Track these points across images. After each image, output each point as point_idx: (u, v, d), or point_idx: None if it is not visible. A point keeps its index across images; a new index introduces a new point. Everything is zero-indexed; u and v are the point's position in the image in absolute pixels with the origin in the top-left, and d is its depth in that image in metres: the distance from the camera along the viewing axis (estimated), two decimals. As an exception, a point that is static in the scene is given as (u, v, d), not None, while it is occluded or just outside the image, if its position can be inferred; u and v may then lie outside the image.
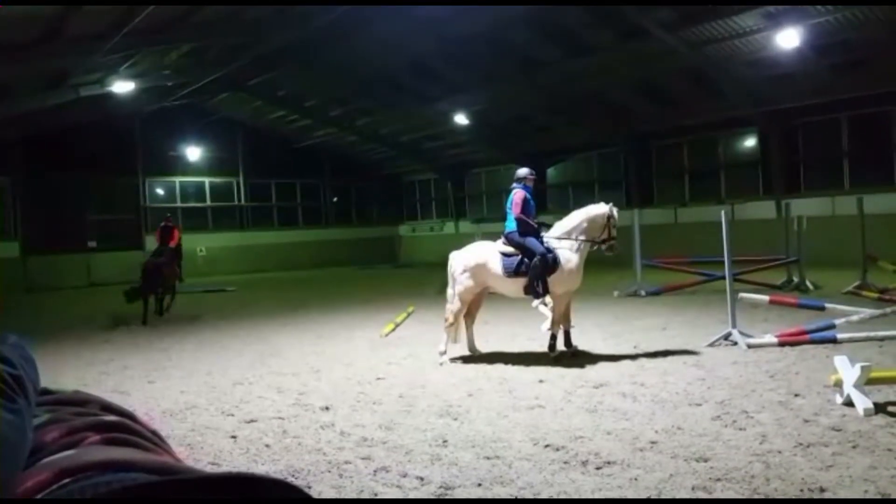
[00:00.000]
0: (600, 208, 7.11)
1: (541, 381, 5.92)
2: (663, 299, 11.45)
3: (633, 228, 12.27)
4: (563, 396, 5.38)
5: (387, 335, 8.96)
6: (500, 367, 6.64)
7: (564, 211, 26.85)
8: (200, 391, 6.31)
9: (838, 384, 4.60)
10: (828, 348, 6.45)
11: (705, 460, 3.78)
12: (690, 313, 9.58)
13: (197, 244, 25.72)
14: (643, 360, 6.60)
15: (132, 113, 22.61)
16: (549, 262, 6.74)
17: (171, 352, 8.61)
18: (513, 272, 6.87)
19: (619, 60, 18.61)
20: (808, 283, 11.54)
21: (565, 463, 3.88)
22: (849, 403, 4.50)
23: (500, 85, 20.99)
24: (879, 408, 4.40)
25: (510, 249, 7.00)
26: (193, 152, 25.92)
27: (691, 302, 10.79)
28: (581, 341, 7.77)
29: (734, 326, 6.98)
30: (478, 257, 7.10)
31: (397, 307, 11.58)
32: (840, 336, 6.75)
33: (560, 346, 7.00)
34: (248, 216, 27.82)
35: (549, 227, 7.19)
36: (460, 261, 7.19)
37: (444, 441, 4.40)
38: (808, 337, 6.81)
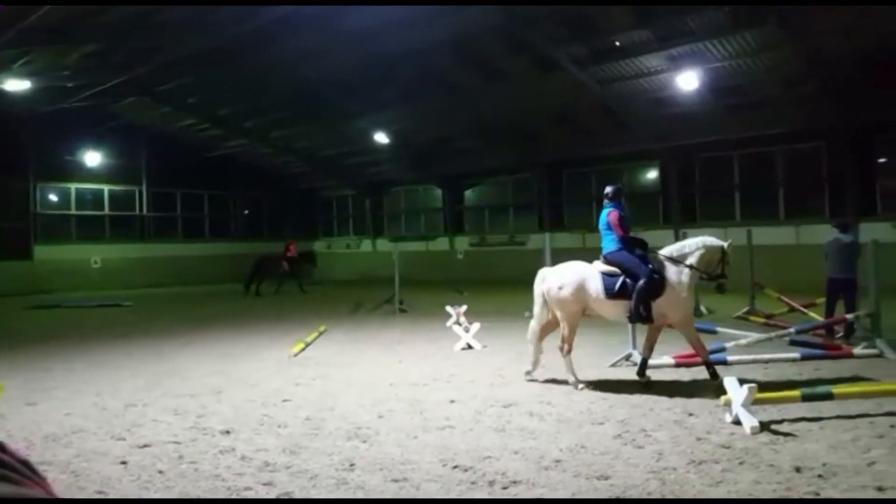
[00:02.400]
0: (718, 241, 6.76)
1: (452, 402, 5.93)
2: (571, 321, 11.79)
3: (545, 251, 12.61)
4: (473, 416, 5.41)
5: (296, 355, 8.71)
6: (411, 388, 6.60)
7: (482, 231, 27.17)
8: (88, 414, 5.87)
9: (728, 404, 4.87)
10: (719, 369, 6.84)
11: (606, 478, 3.89)
12: (596, 334, 9.90)
13: (91, 255, 24.19)
14: (550, 380, 6.76)
15: (25, 113, 21.08)
16: (657, 285, 6.32)
17: (55, 371, 7.97)
18: (615, 293, 6.37)
19: (534, 90, 19.27)
20: (703, 308, 12.27)
21: (473, 483, 3.89)
22: (737, 422, 4.78)
23: (422, 106, 21.20)
24: (764, 426, 4.69)
25: (612, 269, 6.53)
26: (92, 157, 24.44)
27: (596, 324, 11.12)
28: (492, 361, 7.88)
29: (634, 347, 7.28)
30: (578, 276, 6.50)
31: (309, 326, 11.32)
32: (730, 358, 7.19)
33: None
34: (151, 227, 26.47)
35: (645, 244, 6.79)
36: (558, 279, 6.55)
37: (352, 464, 4.31)
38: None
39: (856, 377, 6.42)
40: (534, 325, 6.84)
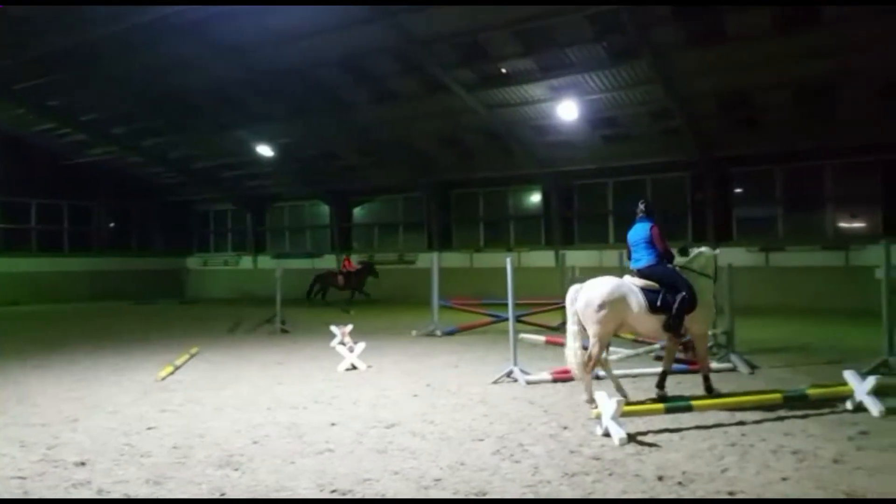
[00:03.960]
0: (711, 251, 6.96)
1: (333, 425, 5.77)
2: (457, 338, 11.95)
3: (433, 270, 12.74)
4: (354, 438, 5.29)
5: (163, 379, 8.14)
6: (290, 411, 6.35)
7: (370, 249, 27.02)
8: (-88, 449, 5.15)
9: (599, 417, 5.10)
10: (593, 384, 7.16)
11: (484, 494, 3.93)
12: (480, 351, 10.09)
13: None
14: (435, 398, 6.77)
15: None
16: (694, 298, 6.32)
17: None
18: (657, 308, 6.26)
19: (424, 112, 19.55)
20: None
21: (350, 507, 3.78)
22: (607, 434, 5.01)
23: (308, 120, 20.83)
24: (631, 437, 4.95)
25: (651, 284, 6.39)
26: (-70, 162, 21.87)
27: (482, 341, 11.40)
28: (377, 381, 7.78)
29: (515, 364, 7.47)
30: (617, 291, 6.22)
31: (179, 347, 10.65)
32: (602, 373, 7.54)
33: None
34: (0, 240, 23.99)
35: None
36: (597, 295, 6.19)
37: (222, 494, 4.06)
38: (577, 374, 7.51)
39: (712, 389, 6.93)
40: (575, 345, 6.32)
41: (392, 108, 19.69)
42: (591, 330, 6.21)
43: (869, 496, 3.73)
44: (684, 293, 6.25)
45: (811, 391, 5.99)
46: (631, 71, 16.16)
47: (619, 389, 6.39)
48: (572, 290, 6.42)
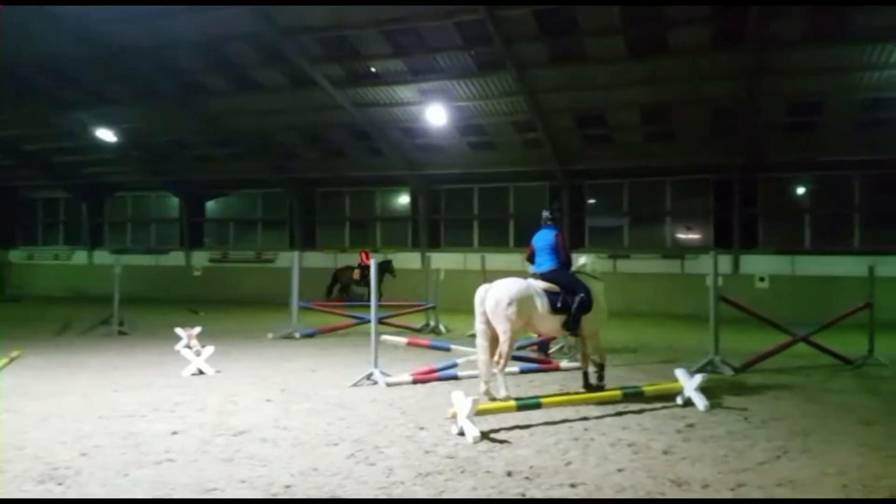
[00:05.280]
0: (589, 258, 7.61)
1: (174, 433, 5.38)
2: (317, 341, 11.66)
3: (293, 270, 12.35)
4: (198, 447, 4.96)
5: (-24, 385, 7.19)
6: (126, 420, 5.83)
7: (225, 246, 25.67)
8: None
9: (455, 416, 5.18)
10: (452, 384, 7.29)
11: (335, 498, 3.83)
12: (340, 355, 9.92)
13: None
14: (289, 403, 6.53)
15: None
16: (591, 300, 6.79)
17: None
18: (558, 308, 6.66)
19: (288, 105, 18.95)
20: (441, 327, 13.08)
21: (189, 520, 3.52)
22: (462, 433, 5.10)
23: (158, 105, 19.43)
24: (484, 435, 5.07)
25: (552, 286, 6.78)
26: None
27: (343, 344, 11.22)
28: (226, 387, 7.38)
29: (376, 367, 7.42)
30: (525, 292, 6.54)
31: (-2, 350, 9.47)
32: (461, 373, 7.71)
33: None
34: None
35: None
36: (506, 294, 6.43)
37: (42, 511, 3.63)
38: (436, 375, 7.62)
39: (561, 388, 7.32)
40: (484, 343, 6.54)
41: (254, 98, 18.92)
42: (501, 327, 6.45)
43: (692, 483, 4.09)
44: (582, 295, 6.76)
45: (647, 388, 6.49)
46: (497, 82, 16.75)
47: (503, 390, 6.55)
48: (481, 290, 6.63)
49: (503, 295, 6.45)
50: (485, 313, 6.53)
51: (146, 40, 16.29)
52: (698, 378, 6.33)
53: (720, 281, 8.62)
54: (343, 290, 19.47)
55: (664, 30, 14.58)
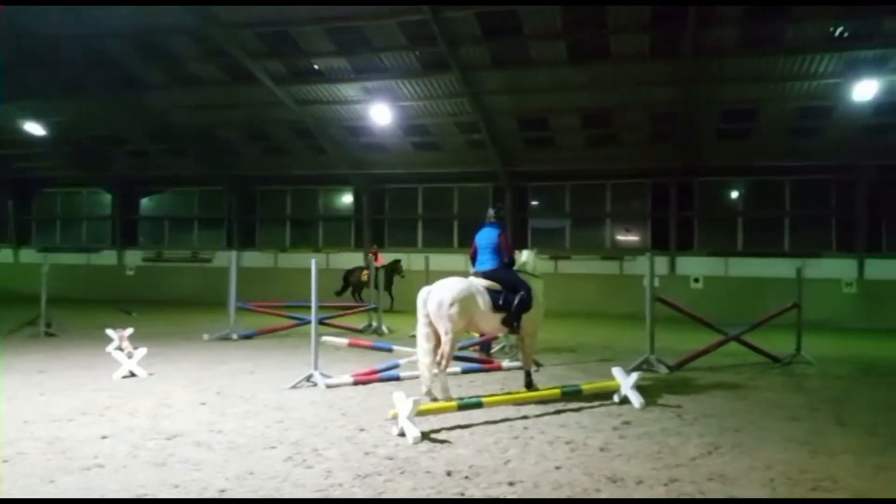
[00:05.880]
0: (530, 252, 7.56)
1: (104, 438, 5.15)
2: (255, 342, 11.39)
3: (231, 270, 12.03)
4: (129, 452, 4.76)
5: None
6: (53, 425, 5.54)
7: (159, 245, 24.78)
8: None
9: (395, 417, 5.14)
10: (393, 385, 7.24)
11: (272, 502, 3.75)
12: (280, 356, 9.72)
13: None
14: (225, 406, 6.35)
15: None
16: (530, 299, 6.86)
17: None
18: (499, 306, 6.70)
19: (228, 100, 18.50)
20: (384, 328, 13.00)
21: (115, 528, 3.37)
22: (402, 434, 5.07)
23: (91, 98, 18.59)
24: (425, 435, 5.06)
25: (494, 284, 6.78)
26: None
27: (282, 345, 10.99)
28: (159, 390, 7.12)
29: (316, 368, 7.30)
30: (467, 291, 6.51)
31: None
32: (403, 374, 7.67)
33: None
34: None
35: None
36: (448, 294, 6.38)
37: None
38: (377, 376, 7.56)
39: (503, 387, 7.38)
40: (427, 345, 6.40)
41: (192, 92, 18.37)
42: (444, 328, 6.41)
43: (626, 479, 4.18)
44: (523, 293, 6.83)
45: (585, 386, 6.61)
46: (441, 82, 16.79)
47: (445, 390, 6.51)
48: (423, 292, 6.55)
49: (446, 295, 6.40)
50: (428, 315, 6.45)
51: (79, 31, 15.59)
52: (634, 376, 6.50)
53: (656, 282, 8.87)
54: (355, 292, 18.57)
55: (605, 36, 14.94)
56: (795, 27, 14.00)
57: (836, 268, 18.10)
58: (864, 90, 14.95)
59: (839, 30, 14.13)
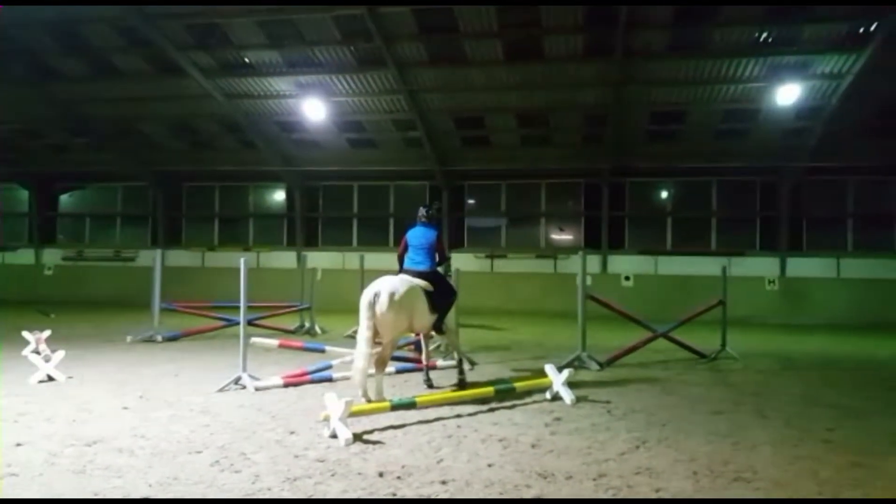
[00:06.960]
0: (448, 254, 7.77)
1: (18, 445, 4.85)
2: (181, 344, 10.97)
3: (156, 269, 11.55)
4: (45, 459, 4.50)
5: None
6: (-45, 434, 5.17)
7: (80, 243, 23.61)
8: None
9: (327, 419, 5.04)
10: (325, 386, 7.11)
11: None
12: (206, 358, 9.39)
13: None
14: (148, 410, 6.08)
15: None
16: (454, 299, 7.13)
17: None
18: (434, 308, 6.78)
19: (153, 93, 17.79)
20: (317, 328, 12.77)
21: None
22: (334, 436, 4.97)
23: (6, 89, 17.52)
24: (357, 437, 4.98)
25: (428, 285, 6.78)
26: None
27: (209, 347, 10.63)
28: (78, 394, 6.75)
29: (244, 370, 7.08)
30: (413, 292, 6.52)
31: None
32: (335, 375, 7.54)
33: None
34: None
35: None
36: (396, 296, 6.28)
37: None
38: (308, 377, 7.40)
39: (437, 386, 7.37)
40: (367, 349, 6.19)
41: (114, 84, 17.54)
42: (388, 329, 6.37)
43: (556, 475, 4.24)
44: (452, 297, 7.02)
45: (518, 384, 6.69)
46: (377, 79, 16.63)
47: (380, 393, 6.40)
48: (369, 293, 6.32)
49: (392, 297, 6.30)
50: (372, 317, 6.26)
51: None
52: (566, 373, 6.61)
53: (589, 280, 9.08)
54: None
55: (540, 37, 15.15)
56: (722, 31, 14.56)
57: (759, 266, 18.99)
58: (787, 94, 15.64)
59: (764, 35, 14.77)
